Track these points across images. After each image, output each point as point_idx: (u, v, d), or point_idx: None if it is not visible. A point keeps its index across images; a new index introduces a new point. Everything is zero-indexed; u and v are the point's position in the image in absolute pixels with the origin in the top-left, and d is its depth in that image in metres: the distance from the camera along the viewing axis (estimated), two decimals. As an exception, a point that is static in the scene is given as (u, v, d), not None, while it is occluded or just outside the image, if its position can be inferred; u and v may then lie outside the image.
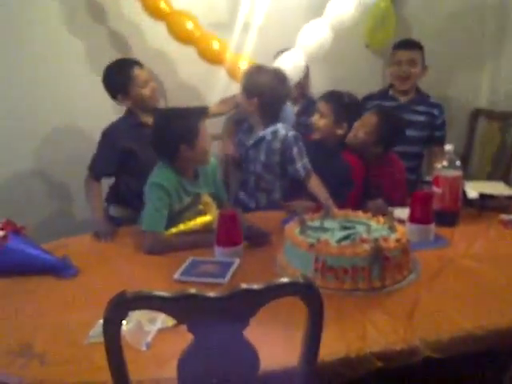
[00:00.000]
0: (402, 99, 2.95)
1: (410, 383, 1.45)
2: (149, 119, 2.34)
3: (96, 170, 2.33)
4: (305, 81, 2.87)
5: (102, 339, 1.13)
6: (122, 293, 0.92)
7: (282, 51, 2.71)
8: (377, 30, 3.10)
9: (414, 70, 2.88)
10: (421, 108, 2.91)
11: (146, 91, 2.36)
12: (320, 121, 2.44)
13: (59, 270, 1.68)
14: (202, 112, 2.05)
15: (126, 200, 2.42)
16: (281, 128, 2.40)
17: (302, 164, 2.38)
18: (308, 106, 2.82)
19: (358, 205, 2.14)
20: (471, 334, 1.33)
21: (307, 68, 2.77)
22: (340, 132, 2.44)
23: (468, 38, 3.33)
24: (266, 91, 2.37)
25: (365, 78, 3.14)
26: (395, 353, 1.27)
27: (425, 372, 1.37)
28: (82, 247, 1.95)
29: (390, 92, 2.99)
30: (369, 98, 2.98)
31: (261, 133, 2.42)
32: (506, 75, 3.32)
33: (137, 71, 2.34)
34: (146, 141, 2.09)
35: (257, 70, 2.43)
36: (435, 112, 2.93)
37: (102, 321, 1.28)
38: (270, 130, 2.41)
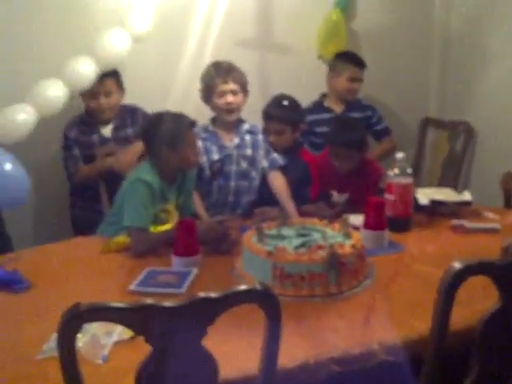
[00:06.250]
0: (338, 109, 3.01)
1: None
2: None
3: None
4: None
5: (56, 354, 1.10)
6: (75, 305, 0.90)
7: None
8: (329, 42, 3.16)
9: (359, 86, 3.01)
10: (356, 115, 2.99)
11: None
12: (280, 139, 2.50)
13: (10, 284, 1.62)
14: (191, 122, 2.09)
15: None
16: (254, 123, 2.49)
17: (276, 154, 2.44)
18: None
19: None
20: (425, 337, 1.36)
21: None
22: (298, 133, 2.54)
23: (416, 48, 3.44)
24: None
25: (316, 87, 3.17)
26: (353, 357, 1.29)
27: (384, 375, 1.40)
28: (32, 260, 1.88)
29: (326, 103, 3.03)
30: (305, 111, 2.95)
31: (243, 129, 2.44)
32: (453, 85, 3.44)
33: None
34: None
35: None
36: (369, 113, 3.04)
37: (55, 335, 1.26)
38: (247, 125, 2.46)
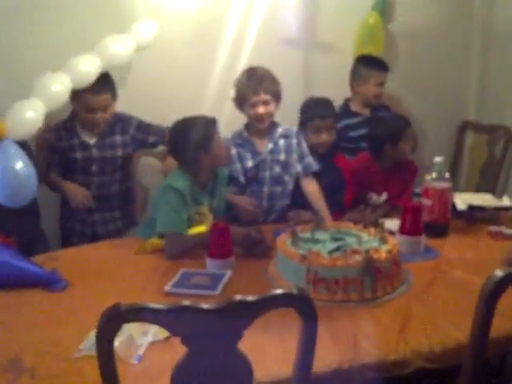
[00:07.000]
0: (366, 112, 2.96)
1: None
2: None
3: None
4: None
5: (92, 352, 1.13)
6: (115, 305, 0.92)
7: None
8: (366, 45, 3.12)
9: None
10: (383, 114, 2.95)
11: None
12: (326, 136, 2.48)
13: (48, 283, 1.66)
14: (213, 119, 2.12)
15: None
16: (288, 126, 2.48)
17: (312, 158, 2.44)
18: None
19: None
20: (463, 345, 1.33)
21: None
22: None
23: (455, 50, 3.38)
24: None
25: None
26: (387, 364, 1.28)
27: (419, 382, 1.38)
28: (71, 260, 1.93)
29: (352, 108, 2.97)
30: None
31: (276, 134, 2.43)
32: (493, 88, 3.37)
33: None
34: None
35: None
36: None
37: (92, 334, 1.28)
38: (281, 129, 2.45)
